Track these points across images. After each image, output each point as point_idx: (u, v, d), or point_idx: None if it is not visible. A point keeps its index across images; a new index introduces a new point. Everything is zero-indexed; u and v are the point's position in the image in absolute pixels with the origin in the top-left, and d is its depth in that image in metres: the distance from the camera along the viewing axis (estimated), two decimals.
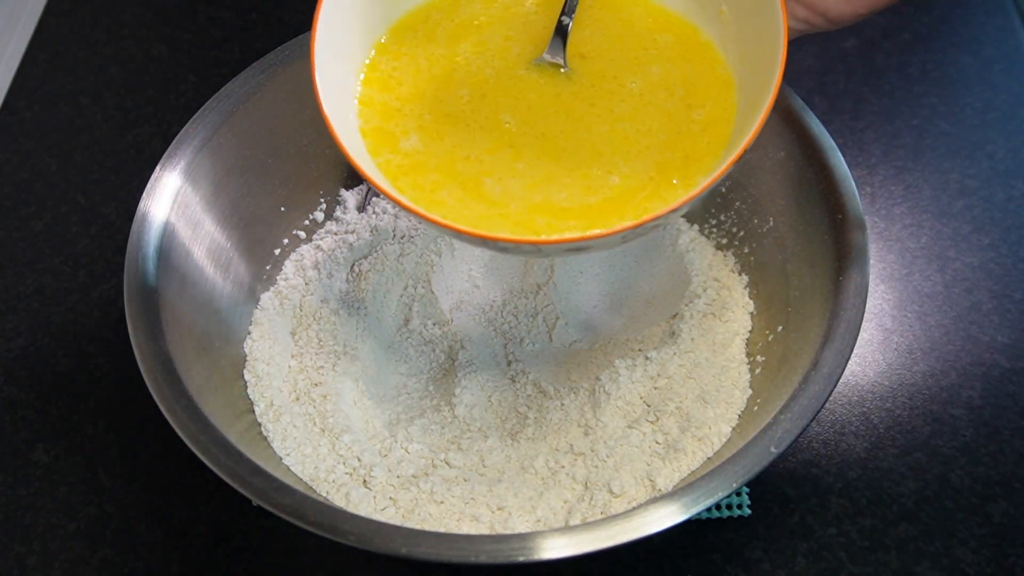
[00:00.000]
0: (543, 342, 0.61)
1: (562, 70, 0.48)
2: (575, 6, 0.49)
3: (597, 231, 0.42)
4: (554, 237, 0.43)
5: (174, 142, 0.54)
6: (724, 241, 0.60)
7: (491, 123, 0.47)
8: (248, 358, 0.56)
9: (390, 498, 0.50)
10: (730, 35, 0.47)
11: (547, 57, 0.49)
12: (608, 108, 0.47)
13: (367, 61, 0.49)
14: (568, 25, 0.49)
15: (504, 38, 0.50)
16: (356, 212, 0.64)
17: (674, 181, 0.45)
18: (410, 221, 0.63)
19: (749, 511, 0.54)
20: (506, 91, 0.48)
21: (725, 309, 0.57)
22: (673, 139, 0.46)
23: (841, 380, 0.49)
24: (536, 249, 0.48)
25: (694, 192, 0.42)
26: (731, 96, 0.47)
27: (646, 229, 0.42)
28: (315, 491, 0.51)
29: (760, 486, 0.55)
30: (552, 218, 0.44)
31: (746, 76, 0.46)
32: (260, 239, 0.60)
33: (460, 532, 0.49)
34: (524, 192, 0.45)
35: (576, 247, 0.45)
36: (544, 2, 0.51)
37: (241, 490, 0.43)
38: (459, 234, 0.42)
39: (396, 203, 0.43)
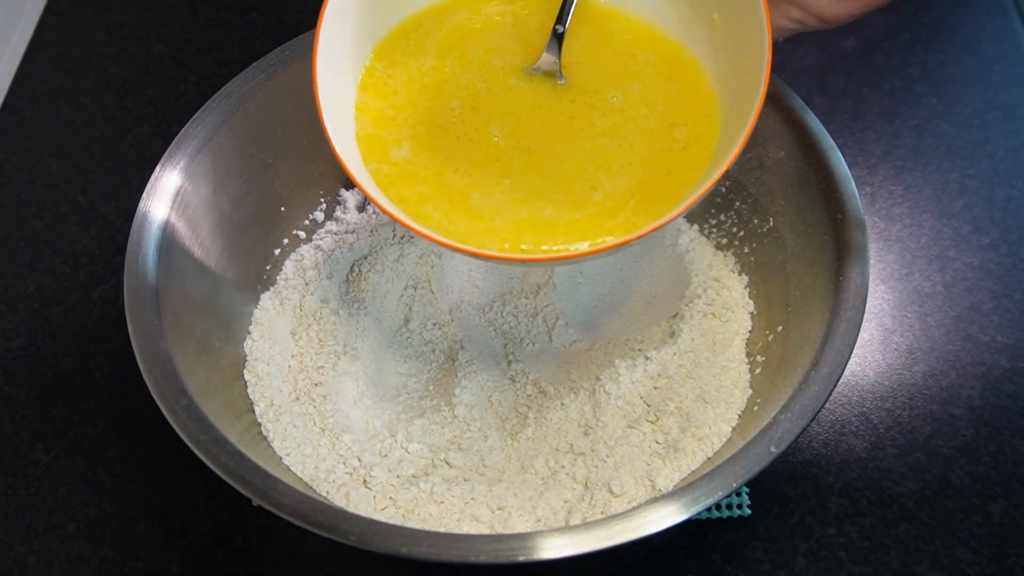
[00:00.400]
0: (543, 342, 0.61)
1: (560, 81, 0.48)
2: (569, 13, 0.49)
3: (579, 250, 0.43)
4: (538, 255, 0.44)
5: (174, 142, 0.54)
6: (724, 241, 0.60)
7: (480, 136, 0.47)
8: (248, 358, 0.56)
9: (390, 498, 0.50)
10: (719, 44, 0.47)
11: (542, 66, 0.49)
12: (589, 122, 0.48)
13: (364, 65, 0.49)
14: (563, 33, 0.49)
15: (486, 51, 0.50)
16: (356, 212, 0.64)
17: (657, 197, 0.45)
18: None
19: (749, 511, 0.54)
20: (496, 104, 0.48)
21: (725, 309, 0.57)
22: (655, 156, 0.46)
23: (841, 380, 0.49)
24: (522, 264, 0.48)
25: (676, 211, 0.42)
26: (715, 112, 0.47)
27: (630, 245, 0.42)
28: (315, 491, 0.51)
29: (760, 486, 0.55)
30: (538, 233, 0.44)
31: (732, 87, 0.46)
32: (260, 239, 0.60)
33: (460, 532, 0.49)
34: (511, 207, 0.45)
35: (562, 263, 0.45)
36: (532, 11, 0.51)
37: (241, 490, 0.43)
38: (450, 248, 0.43)
39: (387, 214, 0.43)
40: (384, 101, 0.48)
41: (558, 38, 0.49)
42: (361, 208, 0.64)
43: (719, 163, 0.43)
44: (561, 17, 0.49)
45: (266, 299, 0.59)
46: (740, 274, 0.59)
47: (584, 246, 0.44)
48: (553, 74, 0.48)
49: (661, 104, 0.47)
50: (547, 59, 0.49)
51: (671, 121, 0.47)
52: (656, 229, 0.42)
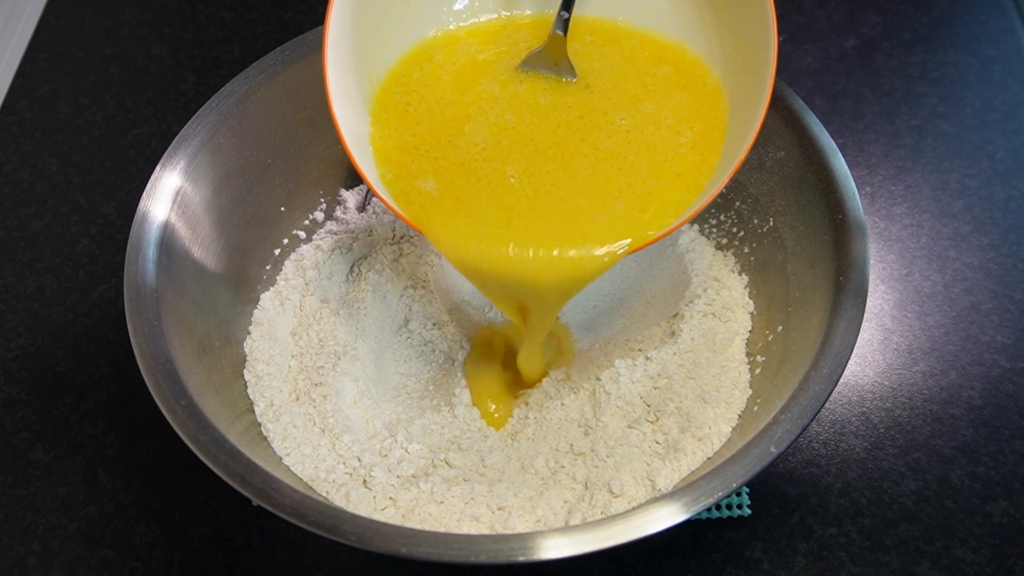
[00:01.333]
0: None
1: (572, 79, 0.49)
2: (572, 1, 0.49)
3: (595, 264, 0.46)
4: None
5: (174, 142, 0.54)
6: (724, 241, 0.60)
7: (499, 177, 0.47)
8: (248, 358, 0.56)
9: (390, 498, 0.50)
10: (723, 23, 0.47)
11: (544, 52, 0.49)
12: (594, 145, 0.48)
13: (382, 80, 0.49)
14: (567, 19, 0.49)
15: (501, 85, 0.50)
16: (356, 212, 0.64)
17: (673, 198, 0.46)
18: None
19: (749, 511, 0.54)
20: (522, 135, 0.48)
21: (725, 309, 0.57)
22: (658, 168, 0.47)
23: (841, 380, 0.49)
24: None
25: (701, 204, 0.43)
26: (721, 103, 0.47)
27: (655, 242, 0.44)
28: (315, 491, 0.51)
29: (760, 486, 0.55)
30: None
31: (737, 66, 0.47)
32: (260, 239, 0.60)
33: (460, 532, 0.49)
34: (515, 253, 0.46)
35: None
36: (538, 43, 0.51)
37: (241, 490, 0.43)
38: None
39: (391, 209, 0.44)
40: (405, 129, 0.48)
41: (563, 24, 0.49)
42: (361, 208, 0.64)
43: (732, 147, 0.44)
44: (566, 3, 0.49)
45: (266, 299, 0.59)
46: (740, 274, 0.59)
47: (601, 251, 0.46)
48: (561, 73, 0.49)
49: (670, 117, 0.48)
50: (552, 45, 0.49)
51: (676, 130, 0.48)
52: (681, 225, 0.44)
